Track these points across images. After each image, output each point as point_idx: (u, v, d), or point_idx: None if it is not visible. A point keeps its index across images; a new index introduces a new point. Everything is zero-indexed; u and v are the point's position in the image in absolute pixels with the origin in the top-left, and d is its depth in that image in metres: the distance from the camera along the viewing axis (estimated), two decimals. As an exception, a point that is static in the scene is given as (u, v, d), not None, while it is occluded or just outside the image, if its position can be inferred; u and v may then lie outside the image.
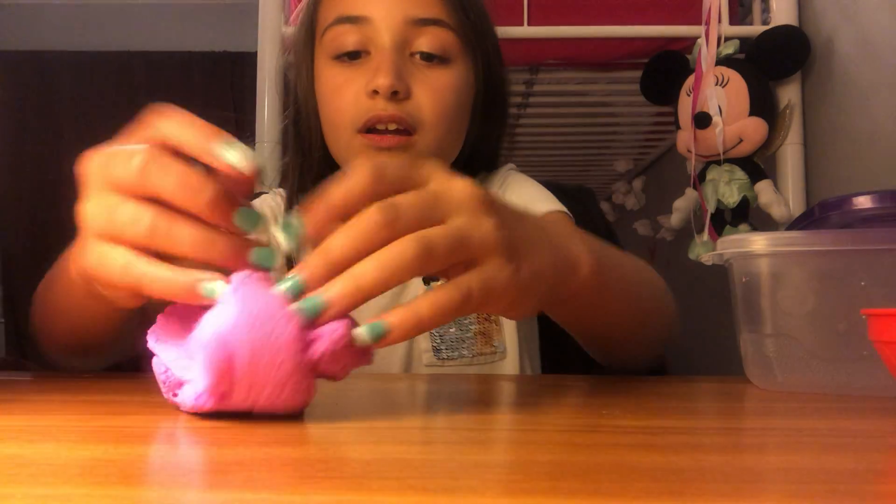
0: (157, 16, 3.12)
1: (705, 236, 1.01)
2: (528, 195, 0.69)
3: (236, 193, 0.33)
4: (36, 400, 0.39)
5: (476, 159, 0.71)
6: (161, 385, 0.35)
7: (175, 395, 0.34)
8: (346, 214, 0.32)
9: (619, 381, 0.49)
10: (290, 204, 0.70)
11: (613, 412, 0.35)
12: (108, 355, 0.55)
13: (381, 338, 0.31)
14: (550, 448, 0.26)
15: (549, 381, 0.52)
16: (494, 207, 0.35)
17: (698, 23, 1.01)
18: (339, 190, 0.32)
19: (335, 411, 0.35)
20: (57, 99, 3.08)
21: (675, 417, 0.35)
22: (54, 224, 3.15)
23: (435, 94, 0.62)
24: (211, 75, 3.10)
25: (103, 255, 0.33)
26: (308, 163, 0.69)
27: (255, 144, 1.12)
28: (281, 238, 0.32)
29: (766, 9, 1.08)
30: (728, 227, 1.00)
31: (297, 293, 0.31)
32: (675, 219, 1.10)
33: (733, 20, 1.05)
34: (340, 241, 0.31)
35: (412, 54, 0.63)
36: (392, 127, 0.61)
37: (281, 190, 0.72)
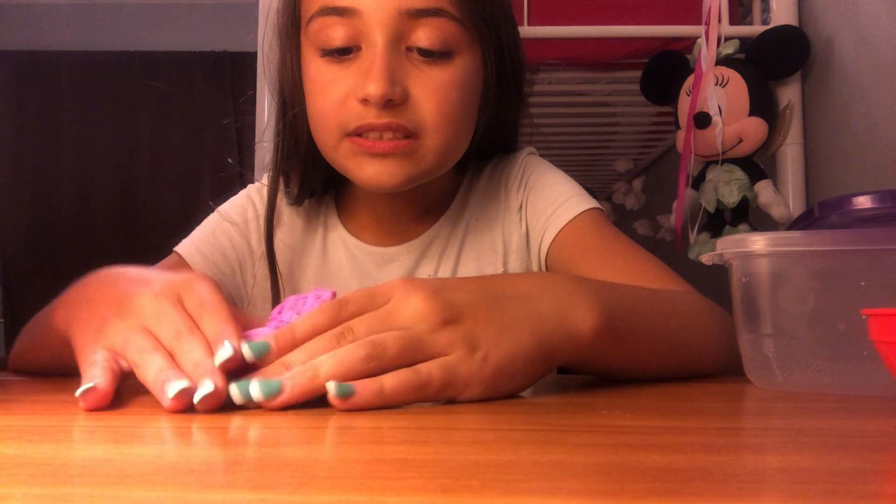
0: (157, 16, 3.12)
1: (705, 236, 1.01)
2: (553, 191, 0.66)
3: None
4: (36, 400, 0.40)
5: (492, 143, 0.68)
6: None
7: None
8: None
9: (619, 381, 0.49)
10: (273, 193, 0.67)
11: (613, 412, 0.35)
12: None
13: (346, 397, 0.34)
14: (550, 448, 0.26)
15: (550, 381, 0.52)
16: (453, 312, 0.38)
17: (698, 23, 1.01)
18: (304, 326, 0.38)
19: (335, 412, 0.35)
20: (57, 99, 3.08)
21: (675, 417, 0.35)
22: (54, 224, 3.16)
23: (437, 94, 0.56)
24: (211, 75, 3.11)
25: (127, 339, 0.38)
26: (295, 154, 0.65)
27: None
28: (246, 352, 0.37)
29: (766, 9, 1.08)
30: (728, 227, 1.00)
31: (261, 354, 0.36)
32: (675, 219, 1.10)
33: (733, 20, 1.05)
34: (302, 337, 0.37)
35: (409, 49, 0.56)
36: (388, 136, 0.56)
37: (267, 176, 0.69)
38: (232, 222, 0.69)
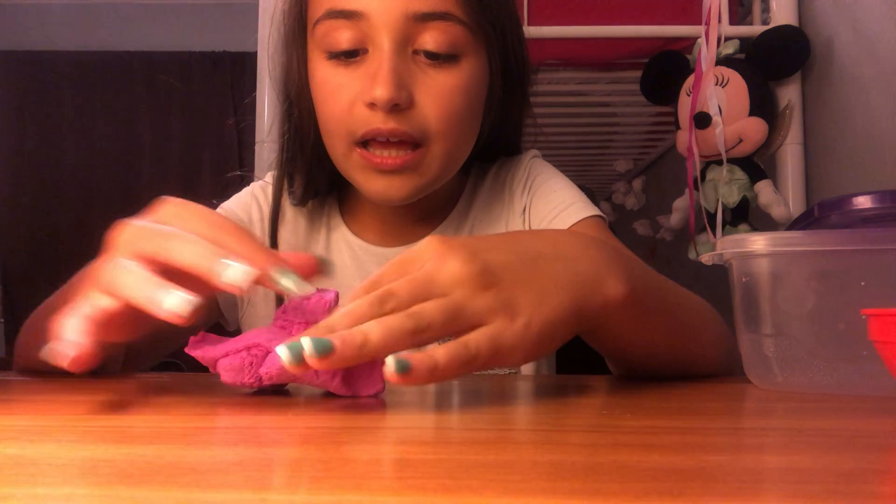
0: (157, 16, 3.12)
1: (707, 236, 1.01)
2: (556, 196, 0.67)
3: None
4: (36, 400, 0.40)
5: (495, 144, 0.68)
6: (242, 367, 0.39)
7: (260, 370, 0.38)
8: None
9: (619, 381, 0.49)
10: (277, 194, 0.68)
11: (613, 412, 0.35)
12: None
13: (404, 372, 0.33)
14: (550, 448, 0.26)
15: (549, 381, 0.52)
16: (492, 276, 0.37)
17: (698, 23, 1.01)
18: (344, 316, 0.35)
19: (334, 411, 0.35)
20: (57, 99, 3.08)
21: (675, 417, 0.35)
22: (54, 223, 3.16)
23: (442, 99, 0.57)
24: (211, 75, 3.10)
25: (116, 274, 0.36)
26: (300, 156, 0.65)
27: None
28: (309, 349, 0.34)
29: (766, 9, 1.08)
30: (728, 227, 1.00)
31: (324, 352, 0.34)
32: (675, 219, 1.10)
33: (733, 20, 1.05)
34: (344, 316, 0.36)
35: (415, 52, 0.56)
36: (395, 140, 0.56)
37: (270, 175, 0.70)
38: (236, 218, 0.69)
